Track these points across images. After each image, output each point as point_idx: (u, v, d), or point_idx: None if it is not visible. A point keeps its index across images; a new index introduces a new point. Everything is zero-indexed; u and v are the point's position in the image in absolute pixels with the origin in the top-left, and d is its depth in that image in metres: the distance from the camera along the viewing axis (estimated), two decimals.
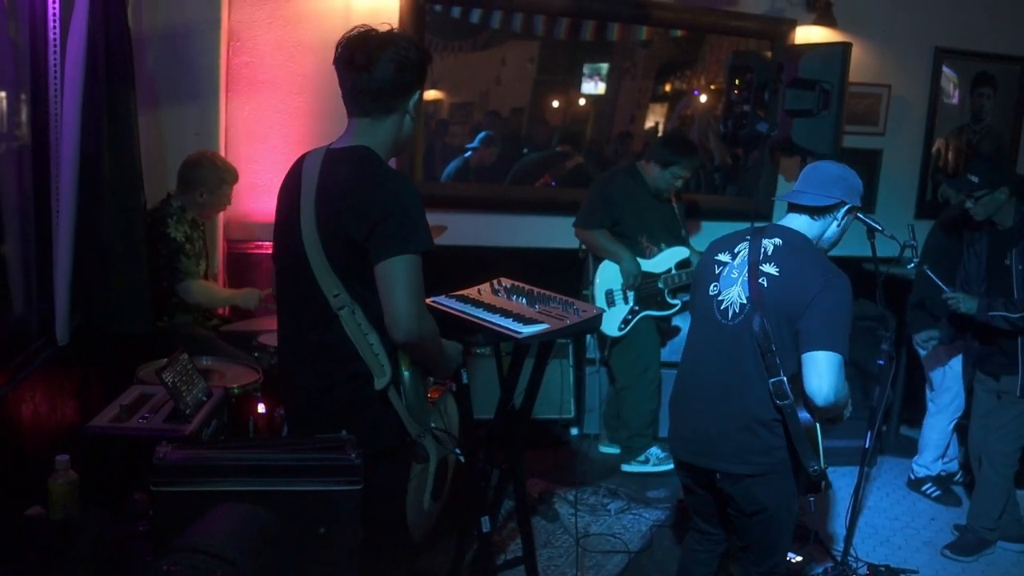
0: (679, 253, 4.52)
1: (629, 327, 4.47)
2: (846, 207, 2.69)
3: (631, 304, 4.45)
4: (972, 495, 4.05)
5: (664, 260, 4.49)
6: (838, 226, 2.71)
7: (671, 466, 4.40)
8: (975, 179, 3.72)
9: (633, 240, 4.44)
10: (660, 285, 4.46)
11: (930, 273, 3.81)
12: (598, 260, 4.50)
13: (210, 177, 3.67)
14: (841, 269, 2.59)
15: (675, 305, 4.52)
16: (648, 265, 4.45)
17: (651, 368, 4.53)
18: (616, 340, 4.51)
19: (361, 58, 2.14)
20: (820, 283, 2.50)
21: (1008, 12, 5.57)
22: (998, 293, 3.77)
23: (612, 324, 4.43)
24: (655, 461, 4.53)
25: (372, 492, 2.10)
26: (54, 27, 2.82)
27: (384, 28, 2.21)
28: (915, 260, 3.73)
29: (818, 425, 2.57)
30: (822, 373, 2.45)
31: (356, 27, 2.20)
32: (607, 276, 4.46)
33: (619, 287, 4.44)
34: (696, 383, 2.72)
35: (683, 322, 4.89)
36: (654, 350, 4.57)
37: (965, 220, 3.95)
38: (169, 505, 1.92)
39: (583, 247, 4.59)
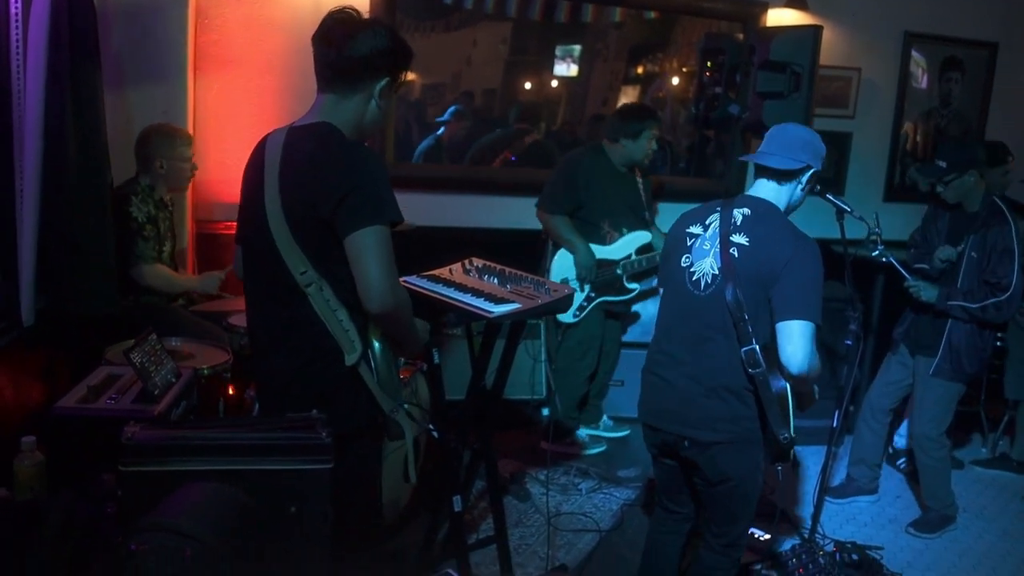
0: (640, 238, 4.46)
1: (584, 313, 4.44)
2: (811, 171, 2.72)
3: (587, 291, 4.42)
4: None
5: (624, 246, 4.44)
6: (801, 190, 2.75)
7: (597, 449, 4.63)
8: (943, 164, 3.74)
9: (595, 226, 4.39)
10: (619, 271, 4.42)
11: (894, 262, 3.87)
12: (556, 246, 4.45)
13: (162, 145, 3.60)
14: None
15: (632, 290, 4.48)
16: (606, 252, 4.41)
17: (589, 354, 4.53)
18: (568, 325, 4.51)
19: (337, 34, 2.18)
20: (790, 251, 2.54)
21: None
22: (948, 275, 3.83)
23: (568, 311, 4.40)
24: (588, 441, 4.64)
25: (344, 472, 2.11)
26: (16, 2, 2.76)
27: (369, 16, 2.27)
28: (880, 247, 3.78)
29: (790, 393, 2.61)
30: (796, 342, 2.50)
31: (342, 7, 2.22)
32: (563, 264, 4.41)
33: (574, 276, 4.40)
34: (667, 352, 2.75)
35: (641, 309, 4.91)
36: (597, 338, 4.54)
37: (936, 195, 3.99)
38: (137, 485, 1.90)
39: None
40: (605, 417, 4.85)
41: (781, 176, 2.70)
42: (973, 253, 3.74)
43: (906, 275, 3.87)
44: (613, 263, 4.42)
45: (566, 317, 4.43)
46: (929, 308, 3.84)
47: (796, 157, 2.68)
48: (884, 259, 3.84)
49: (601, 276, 4.40)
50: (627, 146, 4.36)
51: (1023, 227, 3.80)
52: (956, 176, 3.74)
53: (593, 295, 4.43)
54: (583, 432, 4.71)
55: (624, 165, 4.42)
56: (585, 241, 4.34)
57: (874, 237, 3.74)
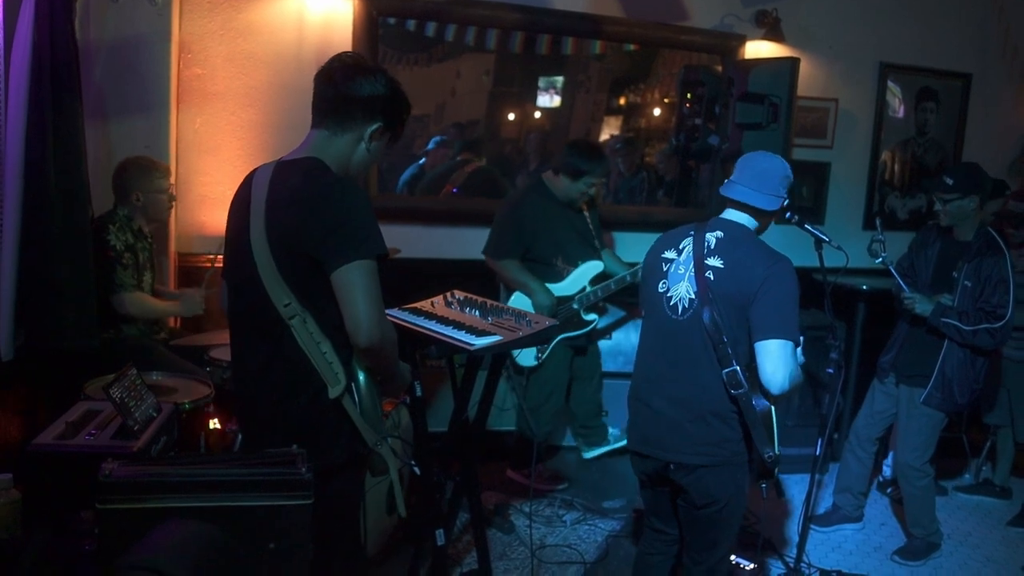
0: (593, 268, 4.32)
1: (545, 354, 4.31)
2: (786, 203, 2.77)
3: None
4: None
5: (578, 279, 4.30)
6: (775, 221, 2.80)
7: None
8: (950, 181, 3.75)
9: (548, 264, 4.25)
10: (575, 306, 4.29)
11: (893, 271, 3.87)
12: (509, 290, 4.30)
13: (138, 177, 3.60)
14: None
15: (590, 322, 4.36)
16: (562, 288, 4.27)
17: (555, 395, 4.41)
18: (532, 368, 4.37)
19: (339, 72, 2.23)
20: (764, 271, 2.56)
21: (950, 29, 5.73)
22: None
23: (528, 354, 4.28)
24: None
25: (326, 507, 2.09)
26: None
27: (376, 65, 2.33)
28: (884, 255, 3.79)
29: (773, 412, 2.62)
30: (775, 362, 2.50)
31: (351, 52, 2.28)
32: (519, 307, 4.33)
33: None
34: (651, 378, 2.76)
35: (624, 338, 4.85)
36: (561, 377, 4.42)
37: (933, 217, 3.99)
38: (115, 523, 1.88)
39: None
40: (612, 429, 4.72)
41: (759, 212, 2.73)
42: (967, 282, 3.73)
43: (903, 286, 3.85)
44: (569, 299, 4.29)
45: (528, 360, 4.30)
46: (921, 323, 3.81)
47: (777, 193, 2.71)
48: (887, 266, 3.85)
49: (560, 313, 4.23)
50: (564, 183, 4.22)
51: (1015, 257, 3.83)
52: (958, 197, 3.73)
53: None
54: (590, 453, 4.67)
55: (562, 199, 4.29)
56: (541, 281, 4.21)
57: (877, 243, 3.76)
